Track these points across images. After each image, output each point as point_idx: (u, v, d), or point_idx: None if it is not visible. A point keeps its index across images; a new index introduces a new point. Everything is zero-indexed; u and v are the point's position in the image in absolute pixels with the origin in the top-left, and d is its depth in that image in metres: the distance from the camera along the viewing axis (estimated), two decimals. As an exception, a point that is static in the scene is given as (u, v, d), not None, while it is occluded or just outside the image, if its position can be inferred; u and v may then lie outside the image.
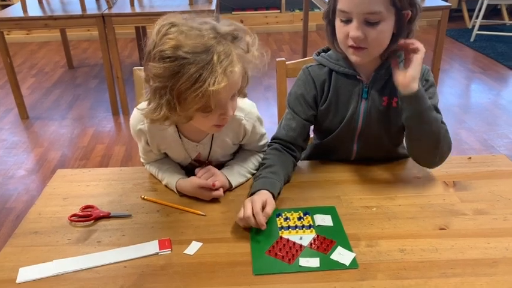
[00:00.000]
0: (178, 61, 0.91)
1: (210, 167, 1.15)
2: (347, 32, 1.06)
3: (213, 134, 1.15)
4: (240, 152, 1.25)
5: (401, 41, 1.09)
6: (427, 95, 1.15)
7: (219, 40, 0.94)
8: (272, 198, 1.05)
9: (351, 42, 1.07)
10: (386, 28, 1.06)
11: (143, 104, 1.04)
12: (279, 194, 1.11)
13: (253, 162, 1.21)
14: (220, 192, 1.11)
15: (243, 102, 1.14)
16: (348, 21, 1.06)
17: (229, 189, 1.14)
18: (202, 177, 1.12)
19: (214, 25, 0.97)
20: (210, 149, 1.18)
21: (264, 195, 1.04)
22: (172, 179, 1.15)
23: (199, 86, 0.90)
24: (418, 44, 1.08)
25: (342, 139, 1.23)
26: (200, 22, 0.97)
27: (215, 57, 0.91)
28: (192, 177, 1.13)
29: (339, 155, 1.27)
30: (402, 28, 1.08)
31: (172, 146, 1.17)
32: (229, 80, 0.93)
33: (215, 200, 1.12)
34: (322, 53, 1.23)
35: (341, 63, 1.17)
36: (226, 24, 0.98)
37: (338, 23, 1.09)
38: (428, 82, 1.18)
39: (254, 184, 1.11)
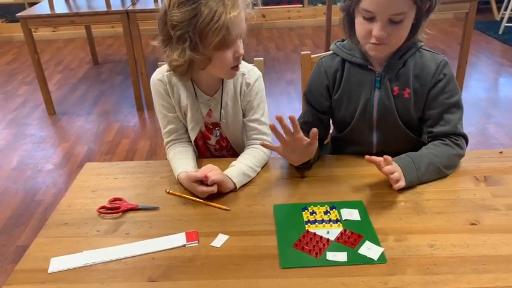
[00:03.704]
0: (194, 4, 1.06)
1: (210, 165, 1.13)
2: (369, 29, 1.07)
3: (222, 89, 1.25)
4: (244, 150, 1.26)
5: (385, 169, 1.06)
6: (446, 94, 1.15)
7: None
8: None
9: (373, 40, 1.08)
10: (408, 24, 1.08)
11: (164, 66, 1.22)
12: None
13: (257, 159, 1.21)
14: (213, 188, 1.08)
15: (245, 63, 1.28)
16: (370, 19, 1.06)
17: (233, 190, 1.13)
18: (199, 171, 1.11)
19: None
20: (221, 106, 1.25)
21: None
22: (177, 171, 1.17)
23: (217, 19, 1.05)
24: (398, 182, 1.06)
25: (360, 130, 1.24)
26: None
27: None
28: (191, 171, 1.13)
29: (359, 148, 1.26)
30: (421, 19, 1.09)
31: (188, 99, 1.24)
32: (240, 14, 1.09)
33: (240, 194, 1.12)
34: (338, 43, 1.24)
35: (354, 53, 1.19)
36: None
37: (360, 19, 1.10)
38: (446, 76, 1.16)
39: None
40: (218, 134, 1.30)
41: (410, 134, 1.23)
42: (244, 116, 1.29)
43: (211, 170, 1.10)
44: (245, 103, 1.27)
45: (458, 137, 1.15)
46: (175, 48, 1.12)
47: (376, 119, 1.21)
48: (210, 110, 1.27)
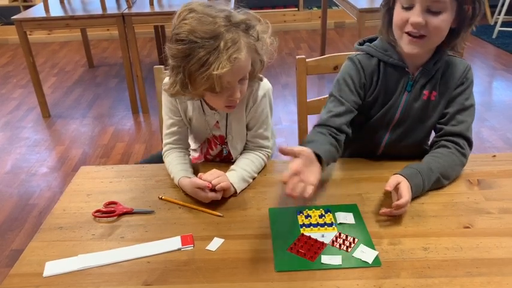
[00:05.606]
0: (189, 44, 1.00)
1: (215, 170, 1.12)
2: (407, 17, 1.06)
3: None
4: (243, 154, 1.25)
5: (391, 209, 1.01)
6: (464, 95, 1.16)
7: (229, 28, 1.01)
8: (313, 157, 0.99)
9: (409, 28, 1.06)
10: (447, 19, 1.05)
11: (167, 79, 1.14)
12: (328, 163, 1.07)
13: (256, 165, 1.20)
14: (217, 195, 1.08)
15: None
16: (409, 8, 1.06)
17: (233, 195, 1.12)
18: (205, 177, 1.08)
19: (229, 14, 1.03)
20: (227, 121, 1.22)
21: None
22: (177, 175, 1.16)
23: (206, 69, 0.99)
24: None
25: (376, 129, 1.22)
26: (217, 10, 1.04)
27: (222, 44, 0.99)
28: (194, 177, 1.12)
29: (366, 148, 1.26)
30: (462, 23, 1.08)
31: (196, 110, 1.22)
32: (234, 66, 1.00)
33: (236, 198, 1.12)
34: (367, 43, 1.21)
35: (390, 54, 1.16)
36: (240, 13, 1.06)
37: (398, 9, 1.08)
38: (468, 81, 1.18)
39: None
40: (226, 151, 1.27)
41: (419, 140, 1.23)
42: (247, 128, 1.26)
43: (217, 177, 1.08)
44: (250, 117, 1.23)
45: (465, 143, 1.15)
46: (170, 75, 1.09)
47: (396, 120, 1.20)
48: (217, 121, 1.24)
